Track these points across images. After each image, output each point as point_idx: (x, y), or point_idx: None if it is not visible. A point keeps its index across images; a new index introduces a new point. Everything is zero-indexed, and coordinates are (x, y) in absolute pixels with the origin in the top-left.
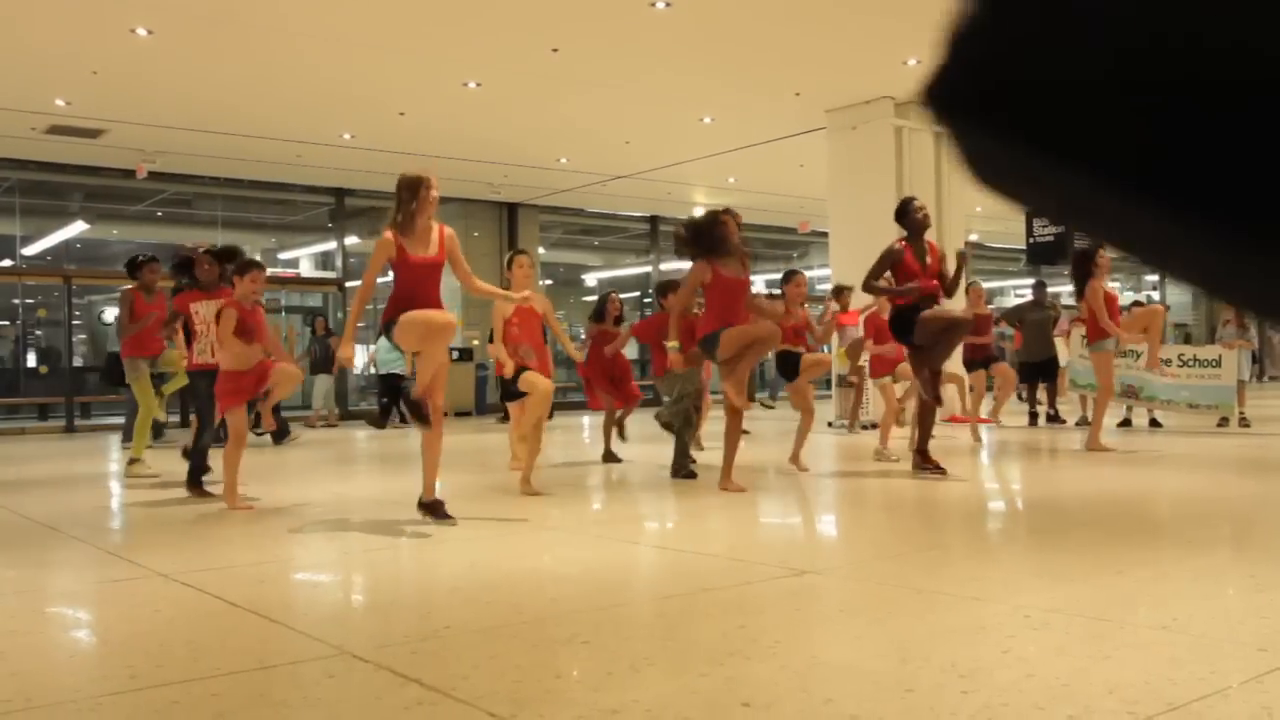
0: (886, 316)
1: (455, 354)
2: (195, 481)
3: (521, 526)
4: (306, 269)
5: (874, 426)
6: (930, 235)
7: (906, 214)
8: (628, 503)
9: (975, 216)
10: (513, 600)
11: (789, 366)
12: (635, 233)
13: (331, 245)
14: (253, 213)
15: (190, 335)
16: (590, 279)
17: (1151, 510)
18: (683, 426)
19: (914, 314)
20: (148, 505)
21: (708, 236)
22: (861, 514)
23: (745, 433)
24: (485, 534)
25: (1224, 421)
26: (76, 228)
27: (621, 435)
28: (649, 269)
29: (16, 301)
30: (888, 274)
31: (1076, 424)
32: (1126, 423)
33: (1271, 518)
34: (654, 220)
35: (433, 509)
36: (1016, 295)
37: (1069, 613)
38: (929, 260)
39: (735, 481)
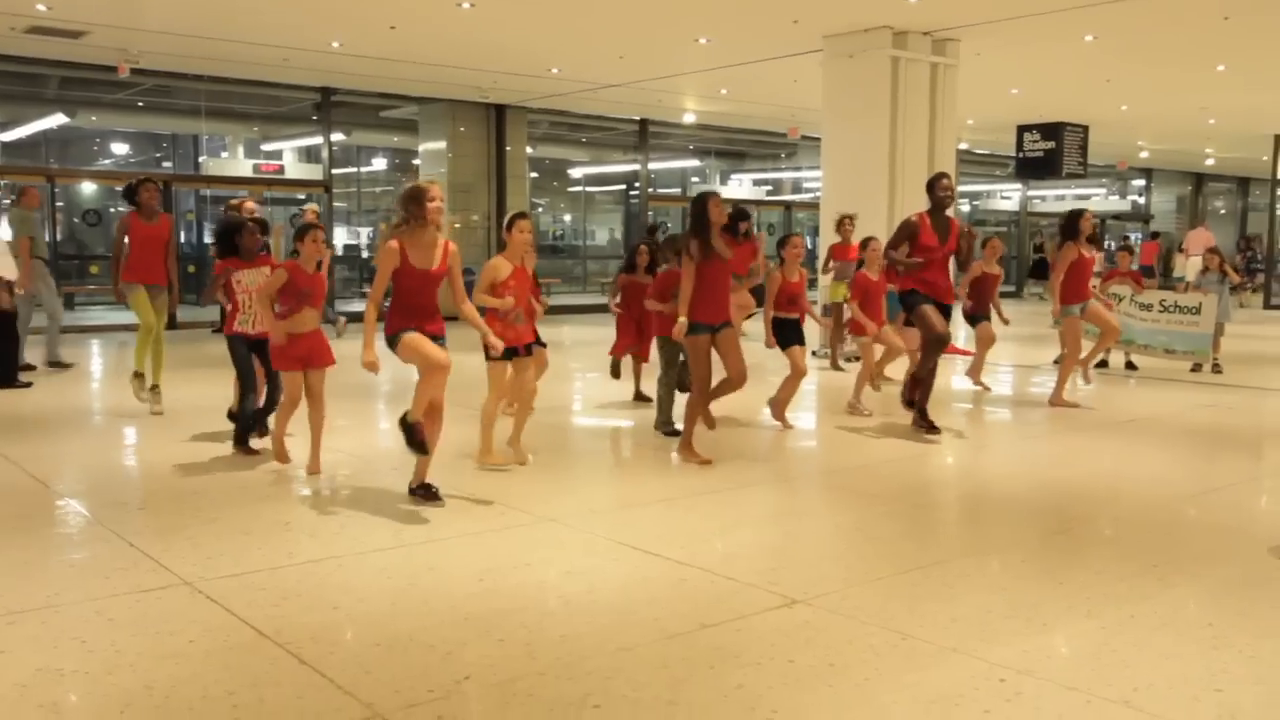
0: (874, 278)
1: None
2: (241, 441)
3: (523, 518)
4: (290, 161)
5: (857, 359)
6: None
7: (932, 188)
8: (623, 482)
9: (966, 128)
10: (524, 639)
11: (788, 333)
12: (624, 131)
13: (317, 140)
14: (236, 103)
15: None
16: (576, 173)
17: (1121, 513)
18: (668, 392)
19: (915, 299)
20: (170, 469)
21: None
22: (845, 508)
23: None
24: (488, 529)
25: (1197, 367)
26: (55, 119)
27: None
28: (636, 166)
29: None
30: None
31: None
32: (1103, 364)
33: (1233, 524)
34: (643, 122)
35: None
36: (1003, 198)
37: (1040, 676)
38: (949, 237)
39: (699, 454)
